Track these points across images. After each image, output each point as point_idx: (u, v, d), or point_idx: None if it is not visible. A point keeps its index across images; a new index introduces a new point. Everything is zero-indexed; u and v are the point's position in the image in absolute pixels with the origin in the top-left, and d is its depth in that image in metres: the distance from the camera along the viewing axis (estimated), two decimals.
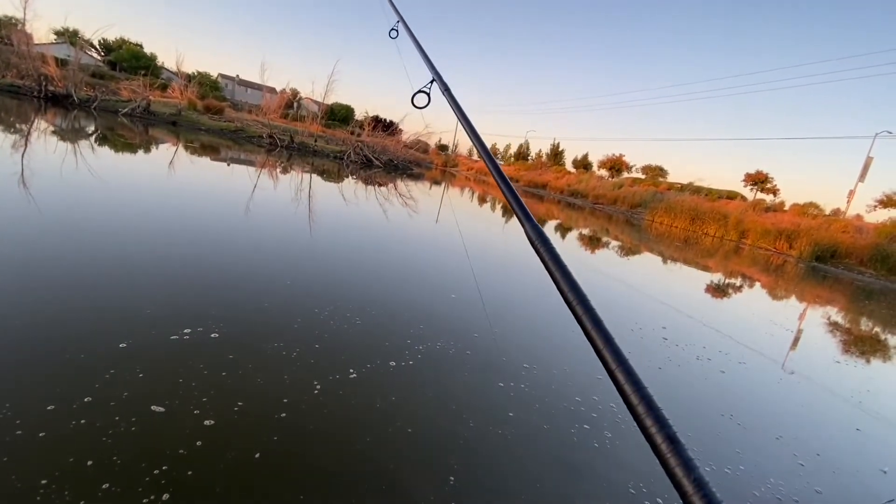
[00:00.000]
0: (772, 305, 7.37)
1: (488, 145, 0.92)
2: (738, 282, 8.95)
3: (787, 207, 26.66)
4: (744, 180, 38.57)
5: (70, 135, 9.70)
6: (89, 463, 1.43)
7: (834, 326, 6.40)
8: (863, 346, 5.49)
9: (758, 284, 9.13)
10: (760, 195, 36.39)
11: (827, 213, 25.88)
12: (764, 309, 6.85)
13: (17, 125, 9.62)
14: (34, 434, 1.50)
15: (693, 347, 3.87)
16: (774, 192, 37.30)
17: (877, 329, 6.97)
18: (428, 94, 1.38)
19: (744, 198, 32.02)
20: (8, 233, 3.24)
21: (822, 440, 2.74)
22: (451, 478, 1.71)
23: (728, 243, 17.83)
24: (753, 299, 7.55)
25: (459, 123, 1.09)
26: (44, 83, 15.09)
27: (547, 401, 2.44)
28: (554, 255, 0.51)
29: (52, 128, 10.18)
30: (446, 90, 1.27)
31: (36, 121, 10.74)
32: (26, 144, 7.16)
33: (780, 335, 5.11)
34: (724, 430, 2.57)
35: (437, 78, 1.34)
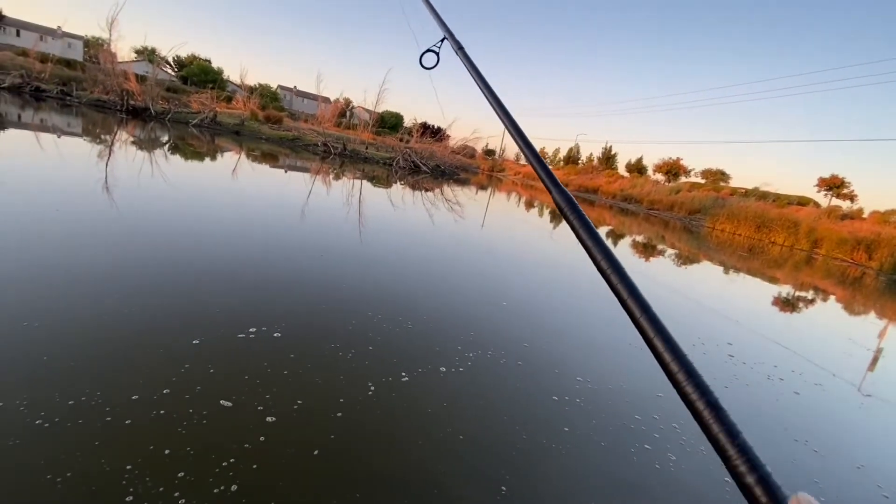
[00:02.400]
0: (850, 322, 6.73)
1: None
2: (810, 295, 8.25)
3: (866, 215, 24.47)
4: (817, 185, 35.90)
5: (148, 144, 10.57)
6: (167, 451, 1.54)
7: None
8: None
9: (832, 298, 8.37)
10: (836, 201, 33.66)
11: None
12: (841, 326, 6.26)
13: (104, 136, 10.60)
14: (121, 421, 1.63)
15: (762, 366, 3.60)
16: (851, 197, 34.39)
17: None
18: (437, 54, 1.27)
19: (817, 204, 29.62)
20: (95, 237, 3.56)
21: None
22: (503, 488, 1.69)
23: (798, 253, 16.50)
24: (829, 315, 6.92)
25: (477, 85, 0.95)
26: (126, 98, 16.56)
27: (604, 417, 2.35)
28: (584, 222, 0.50)
29: (132, 138, 11.15)
30: (460, 49, 1.12)
31: (119, 132, 11.79)
32: (110, 154, 7.87)
33: (859, 355, 4.64)
34: (799, 456, 2.37)
35: (449, 36, 1.20)
